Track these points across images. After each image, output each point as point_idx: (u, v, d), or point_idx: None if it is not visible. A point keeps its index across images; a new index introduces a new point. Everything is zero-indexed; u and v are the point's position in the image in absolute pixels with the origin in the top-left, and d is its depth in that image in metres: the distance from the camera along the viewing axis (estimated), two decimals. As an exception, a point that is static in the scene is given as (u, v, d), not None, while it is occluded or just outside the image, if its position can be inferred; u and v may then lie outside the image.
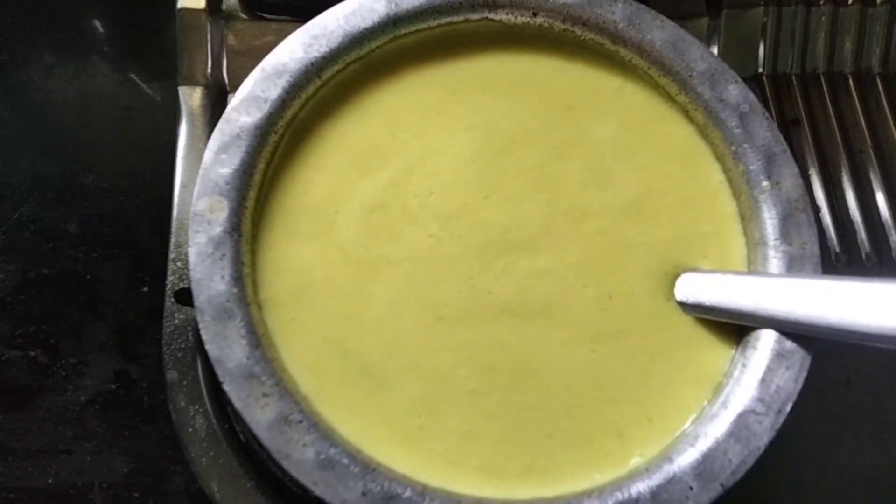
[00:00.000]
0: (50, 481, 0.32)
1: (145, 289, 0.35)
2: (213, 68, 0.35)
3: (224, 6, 0.36)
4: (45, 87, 0.38)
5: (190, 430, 0.30)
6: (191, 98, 0.35)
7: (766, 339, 0.25)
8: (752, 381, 0.25)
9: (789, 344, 0.25)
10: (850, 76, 0.39)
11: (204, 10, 0.35)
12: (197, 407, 0.30)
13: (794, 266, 0.26)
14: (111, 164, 0.37)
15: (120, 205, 0.36)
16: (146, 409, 0.33)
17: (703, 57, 0.28)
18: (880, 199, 0.37)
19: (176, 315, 0.31)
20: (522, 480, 0.25)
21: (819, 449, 0.34)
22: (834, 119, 0.39)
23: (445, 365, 0.25)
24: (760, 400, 0.24)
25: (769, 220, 0.26)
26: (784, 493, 0.34)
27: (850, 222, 0.37)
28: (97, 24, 0.40)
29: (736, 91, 0.27)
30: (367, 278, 0.26)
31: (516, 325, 0.25)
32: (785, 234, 0.26)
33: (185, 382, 0.31)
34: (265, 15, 0.36)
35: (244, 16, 0.36)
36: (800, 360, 0.25)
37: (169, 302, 0.32)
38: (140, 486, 0.33)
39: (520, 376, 0.25)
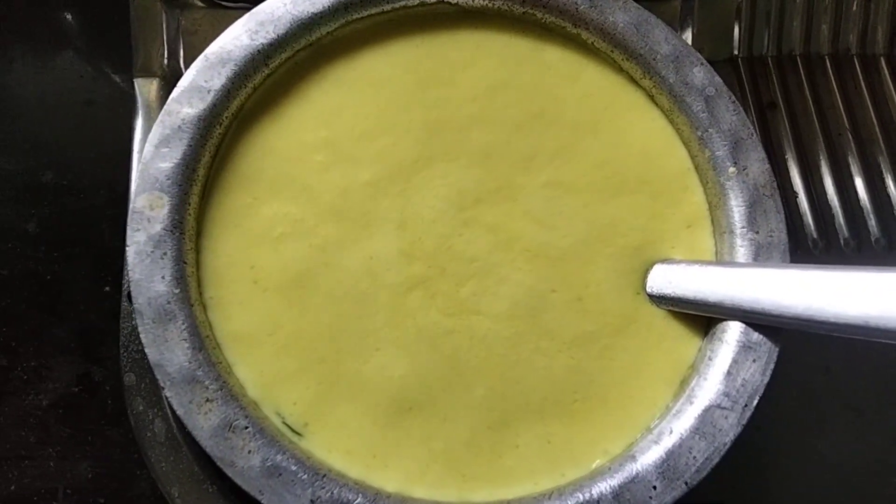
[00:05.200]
0: (13, 488, 0.31)
1: (107, 289, 0.34)
2: (169, 59, 0.34)
3: (180, -6, 0.34)
4: (1, 82, 0.37)
5: (149, 434, 0.29)
6: (147, 90, 0.34)
7: (733, 331, 0.24)
8: (717, 374, 0.24)
9: (756, 335, 0.24)
10: (827, 57, 0.39)
11: (158, -2, 0.34)
12: (156, 410, 0.30)
13: (761, 254, 0.25)
14: (71, 161, 0.36)
15: (80, 203, 0.35)
16: (110, 413, 0.32)
17: (667, 39, 0.26)
18: (859, 183, 0.37)
19: (133, 316, 0.30)
20: (487, 483, 0.24)
21: (798, 438, 0.34)
22: (811, 101, 0.38)
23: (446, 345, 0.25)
24: (726, 394, 0.23)
25: (736, 208, 0.26)
26: (762, 481, 0.33)
27: (828, 207, 0.36)
28: (67, 16, 0.39)
29: (701, 74, 0.26)
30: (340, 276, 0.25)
31: (491, 323, 0.25)
32: (752, 222, 0.25)
33: (143, 386, 0.30)
34: (223, 2, 0.35)
35: (201, 4, 0.35)
36: (767, 351, 0.24)
37: (125, 303, 0.31)
38: (105, 491, 0.32)
39: (504, 386, 0.25)
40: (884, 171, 0.37)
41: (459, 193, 0.26)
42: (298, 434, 0.23)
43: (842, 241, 0.36)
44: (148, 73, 0.34)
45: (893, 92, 0.38)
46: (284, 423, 0.23)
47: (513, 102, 0.27)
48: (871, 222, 0.36)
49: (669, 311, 0.26)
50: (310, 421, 0.24)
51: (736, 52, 0.38)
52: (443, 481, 0.24)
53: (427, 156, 0.26)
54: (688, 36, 0.37)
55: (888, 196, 0.36)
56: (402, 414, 0.24)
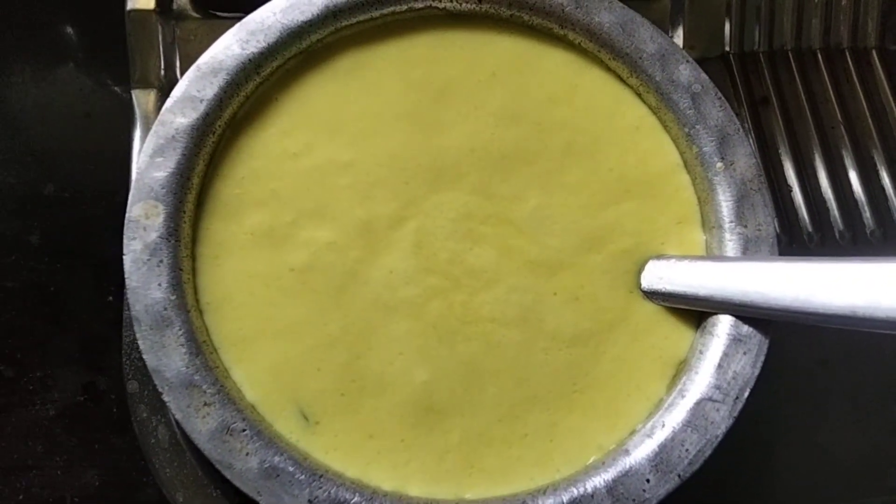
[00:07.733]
0: (21, 498, 0.32)
1: (110, 298, 0.35)
2: (166, 70, 0.34)
3: (175, 6, 0.35)
4: (1, 96, 0.38)
5: (153, 440, 0.30)
6: (144, 101, 0.34)
7: (724, 325, 0.24)
8: (709, 367, 0.24)
9: (746, 328, 0.24)
10: (818, 52, 0.39)
11: (154, 10, 0.34)
12: (159, 417, 0.30)
13: (749, 248, 0.25)
14: (72, 173, 0.37)
15: (82, 214, 0.36)
16: (115, 421, 0.33)
17: (652, 38, 0.27)
18: (853, 176, 0.37)
19: (134, 324, 0.31)
20: (487, 477, 0.25)
21: (796, 431, 0.34)
22: (803, 96, 0.38)
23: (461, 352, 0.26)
24: (717, 387, 0.24)
25: (724, 203, 0.26)
26: (760, 475, 0.33)
27: (823, 201, 0.36)
28: (67, 29, 0.39)
29: (687, 71, 0.27)
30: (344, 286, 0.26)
31: (505, 330, 0.26)
32: (740, 216, 0.26)
33: (146, 393, 0.30)
34: (217, 13, 0.35)
35: (196, 14, 0.35)
36: (757, 344, 0.24)
37: (127, 311, 0.31)
38: (112, 498, 0.32)
39: (514, 385, 0.26)
40: (877, 163, 0.37)
41: (467, 216, 0.27)
42: (307, 420, 0.24)
43: (837, 234, 0.36)
44: (145, 85, 0.34)
45: (885, 84, 0.38)
46: (300, 412, 0.24)
47: (505, 153, 0.28)
48: (866, 214, 0.36)
49: (662, 306, 0.26)
50: (322, 419, 0.24)
51: (727, 49, 0.38)
52: (450, 474, 0.25)
53: (435, 188, 0.27)
54: (679, 34, 0.37)
55: (882, 188, 0.37)
56: (424, 413, 0.25)
